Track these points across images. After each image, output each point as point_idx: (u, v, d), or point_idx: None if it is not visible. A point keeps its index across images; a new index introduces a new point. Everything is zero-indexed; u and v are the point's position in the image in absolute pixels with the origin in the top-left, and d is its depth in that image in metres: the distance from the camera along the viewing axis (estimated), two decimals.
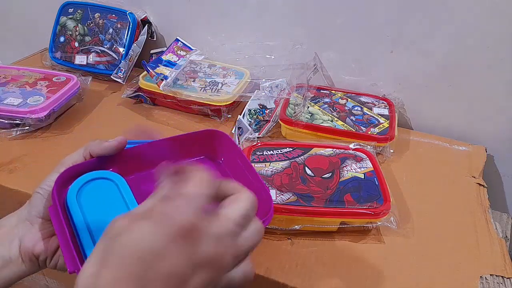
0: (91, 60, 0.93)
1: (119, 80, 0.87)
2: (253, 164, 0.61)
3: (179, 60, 0.86)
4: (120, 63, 0.88)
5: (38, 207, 0.41)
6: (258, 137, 0.69)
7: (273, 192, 0.57)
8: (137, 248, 0.25)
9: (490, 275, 0.52)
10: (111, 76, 0.87)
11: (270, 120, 0.75)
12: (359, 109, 0.78)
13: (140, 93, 0.83)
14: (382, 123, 0.74)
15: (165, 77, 0.79)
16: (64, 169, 0.41)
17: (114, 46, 0.92)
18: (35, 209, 0.41)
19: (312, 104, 0.78)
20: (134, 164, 0.44)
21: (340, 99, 0.81)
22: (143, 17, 0.94)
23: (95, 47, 0.93)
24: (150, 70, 0.79)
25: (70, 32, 0.95)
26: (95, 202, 0.39)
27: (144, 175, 0.45)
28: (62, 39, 0.95)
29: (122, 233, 0.26)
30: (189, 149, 0.47)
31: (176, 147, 0.46)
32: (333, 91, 0.84)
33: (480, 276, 0.52)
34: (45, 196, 0.41)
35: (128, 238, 0.25)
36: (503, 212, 0.68)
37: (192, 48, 0.91)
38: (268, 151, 0.64)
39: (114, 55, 0.92)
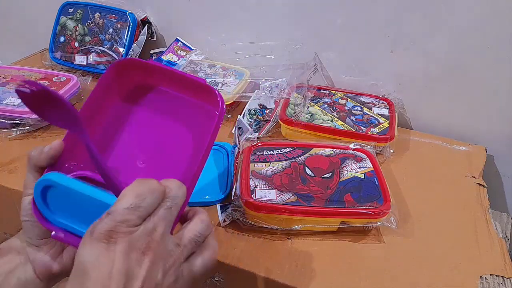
0: (91, 60, 0.93)
1: None
2: (253, 164, 0.61)
3: (179, 60, 0.86)
4: None
5: (33, 233, 0.40)
6: (258, 137, 0.69)
7: (273, 192, 0.57)
8: None
9: (490, 275, 0.52)
10: None
11: (270, 120, 0.75)
12: (359, 109, 0.78)
13: None
14: (382, 123, 0.74)
15: None
16: (30, 190, 0.39)
17: (114, 46, 0.92)
18: (32, 235, 0.40)
19: (312, 104, 0.78)
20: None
21: (340, 99, 0.81)
22: (143, 17, 0.94)
23: (95, 47, 0.93)
24: None
25: (70, 32, 0.95)
26: (63, 209, 0.37)
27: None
28: (62, 39, 0.95)
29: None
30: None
31: None
32: (333, 91, 0.84)
33: (480, 276, 0.52)
34: (32, 219, 0.39)
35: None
36: (503, 212, 0.68)
37: (192, 48, 0.91)
38: (268, 151, 0.64)
39: (114, 55, 0.92)
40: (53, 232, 0.38)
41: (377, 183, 0.59)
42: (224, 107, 0.44)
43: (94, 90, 0.45)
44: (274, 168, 0.61)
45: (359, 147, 0.66)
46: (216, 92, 0.44)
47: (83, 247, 0.30)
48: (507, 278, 0.51)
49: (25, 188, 0.40)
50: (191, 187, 0.39)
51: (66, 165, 0.42)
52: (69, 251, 0.41)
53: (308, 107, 0.77)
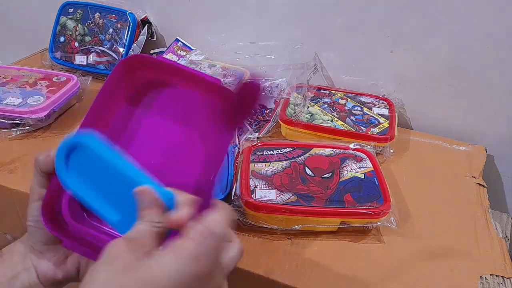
0: (91, 60, 0.93)
1: None
2: (253, 164, 0.61)
3: (179, 60, 0.86)
4: None
5: (38, 239, 0.40)
6: (258, 137, 0.69)
7: (273, 192, 0.57)
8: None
9: (490, 275, 0.52)
10: None
11: (270, 120, 0.75)
12: (359, 109, 0.78)
13: None
14: (382, 123, 0.74)
15: None
16: (37, 196, 0.39)
17: (114, 46, 0.92)
18: (36, 241, 0.40)
19: (312, 104, 0.78)
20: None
21: (340, 99, 0.81)
22: (143, 17, 0.94)
23: (95, 47, 0.93)
24: None
25: (70, 32, 0.95)
26: (86, 175, 0.35)
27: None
28: (62, 39, 0.95)
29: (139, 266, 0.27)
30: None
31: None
32: (333, 91, 0.84)
33: (480, 276, 0.52)
34: (38, 225, 0.39)
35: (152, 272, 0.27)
36: (503, 212, 0.68)
37: (192, 48, 0.91)
38: (268, 151, 0.64)
39: (114, 55, 0.92)
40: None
41: (377, 183, 0.59)
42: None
43: (101, 89, 0.43)
44: (274, 168, 0.61)
45: (359, 147, 0.66)
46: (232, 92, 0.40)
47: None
48: (507, 278, 0.51)
49: (32, 194, 0.39)
50: (212, 188, 0.37)
51: None
52: (73, 259, 0.41)
53: (308, 107, 0.77)
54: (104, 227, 0.40)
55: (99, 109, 0.43)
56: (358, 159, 0.63)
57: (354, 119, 0.75)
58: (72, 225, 0.39)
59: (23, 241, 0.41)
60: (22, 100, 0.74)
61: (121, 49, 0.91)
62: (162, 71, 0.44)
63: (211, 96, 0.43)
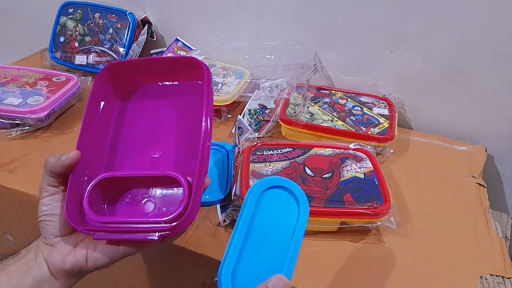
0: (91, 60, 0.93)
1: None
2: (253, 164, 0.61)
3: None
4: None
5: (48, 232, 0.42)
6: (258, 137, 0.69)
7: None
8: None
9: (490, 275, 0.52)
10: None
11: (270, 120, 0.75)
12: (359, 109, 0.78)
13: None
14: (382, 123, 0.74)
15: None
16: (46, 193, 0.43)
17: (114, 46, 0.92)
18: (47, 235, 0.42)
19: (312, 104, 0.78)
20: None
21: (340, 99, 0.81)
22: (143, 17, 0.94)
23: (95, 47, 0.93)
24: None
25: (70, 32, 0.95)
26: (268, 212, 0.38)
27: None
28: (62, 39, 0.95)
29: None
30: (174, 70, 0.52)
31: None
32: (333, 91, 0.84)
33: (480, 276, 0.52)
34: (47, 219, 0.43)
35: None
36: (503, 212, 0.68)
37: (192, 48, 0.91)
38: (268, 151, 0.64)
39: (114, 55, 0.92)
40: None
41: (377, 183, 0.59)
42: (210, 73, 0.48)
43: (90, 99, 0.50)
44: (274, 168, 0.61)
45: (359, 147, 0.66)
46: (198, 61, 0.48)
47: None
48: (507, 278, 0.51)
49: (41, 192, 0.43)
50: (207, 158, 0.43)
51: (82, 172, 0.46)
52: (80, 248, 0.42)
53: (308, 107, 0.77)
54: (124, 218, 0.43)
55: (92, 113, 0.50)
56: (358, 159, 0.63)
57: (354, 119, 0.75)
58: (95, 218, 0.42)
59: (39, 239, 0.44)
60: (22, 100, 0.74)
61: (121, 49, 0.91)
62: (137, 69, 0.51)
63: (185, 75, 0.50)
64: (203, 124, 0.43)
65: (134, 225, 0.41)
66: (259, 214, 0.37)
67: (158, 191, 0.47)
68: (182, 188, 0.44)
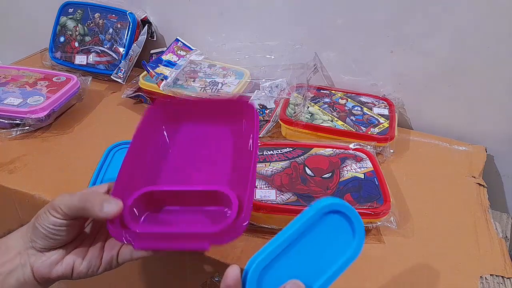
0: (91, 60, 0.93)
1: (119, 80, 0.87)
2: None
3: (179, 60, 0.86)
4: (120, 63, 0.88)
5: (43, 242, 0.40)
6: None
7: (273, 192, 0.57)
8: None
9: (490, 275, 0.52)
10: (111, 76, 0.87)
11: (270, 120, 0.75)
12: (359, 109, 0.78)
13: (140, 93, 0.83)
14: (382, 123, 0.74)
15: (165, 77, 0.79)
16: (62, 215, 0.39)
17: (114, 46, 0.92)
18: (41, 243, 0.40)
19: (312, 104, 0.78)
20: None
21: (340, 99, 0.81)
22: (143, 17, 0.94)
23: (95, 47, 0.93)
24: (150, 70, 0.79)
25: (70, 32, 0.95)
26: (324, 234, 0.37)
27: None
28: (62, 39, 0.95)
29: None
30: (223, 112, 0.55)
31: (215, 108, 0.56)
32: (333, 91, 0.84)
33: (480, 276, 0.52)
34: (43, 231, 0.39)
35: None
36: (503, 212, 0.68)
37: (192, 48, 0.91)
38: (268, 151, 0.64)
39: (114, 55, 0.92)
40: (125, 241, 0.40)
41: (377, 183, 0.59)
42: (257, 113, 0.52)
43: (140, 124, 0.53)
44: (274, 168, 0.61)
45: (359, 147, 0.66)
46: (248, 103, 0.53)
47: None
48: (507, 278, 0.51)
49: (54, 210, 0.39)
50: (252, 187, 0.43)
51: (124, 188, 0.45)
52: (68, 259, 0.41)
53: (308, 107, 0.77)
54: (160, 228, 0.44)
55: (142, 136, 0.51)
56: (358, 159, 0.63)
57: (354, 119, 0.75)
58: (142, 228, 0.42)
59: (22, 236, 0.41)
60: (22, 100, 0.74)
61: (121, 49, 0.91)
62: (186, 106, 0.56)
63: (231, 112, 0.54)
64: (252, 148, 0.47)
65: (176, 232, 0.41)
66: (315, 232, 0.36)
67: (199, 209, 0.46)
68: (222, 208, 0.45)
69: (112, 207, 0.39)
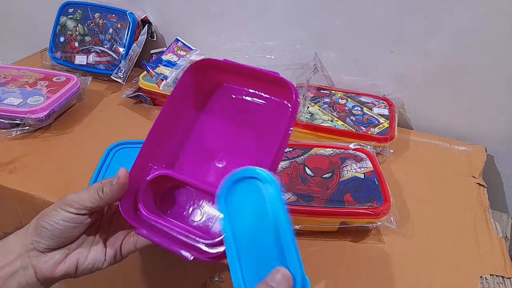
0: (91, 60, 0.93)
1: (119, 80, 0.87)
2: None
3: (179, 60, 0.86)
4: (120, 63, 0.88)
5: (47, 241, 0.40)
6: None
7: None
8: None
9: (490, 275, 0.52)
10: (111, 76, 0.87)
11: None
12: (359, 109, 0.78)
13: (140, 93, 0.83)
14: (382, 123, 0.74)
15: (165, 77, 0.79)
16: (71, 206, 0.40)
17: (114, 46, 0.92)
18: (44, 242, 0.40)
19: (312, 104, 0.78)
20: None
21: (340, 99, 0.81)
22: (143, 17, 0.94)
23: (95, 47, 0.93)
24: (150, 70, 0.79)
25: (70, 32, 0.95)
26: (243, 208, 0.35)
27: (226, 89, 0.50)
28: (62, 39, 0.95)
29: None
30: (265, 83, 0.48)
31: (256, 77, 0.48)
32: (333, 91, 0.84)
33: (480, 276, 0.52)
34: (54, 228, 0.40)
35: None
36: (503, 212, 0.68)
37: (192, 48, 0.91)
38: None
39: (114, 55, 0.92)
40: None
41: (377, 183, 0.59)
42: (299, 99, 0.44)
43: (172, 93, 0.47)
44: None
45: (359, 147, 0.66)
46: (289, 84, 0.44)
47: None
48: (507, 278, 0.51)
49: (67, 205, 0.40)
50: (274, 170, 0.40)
51: (143, 165, 0.45)
52: (71, 258, 0.41)
53: (308, 107, 0.77)
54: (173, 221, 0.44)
55: (171, 110, 0.47)
56: (358, 159, 0.63)
57: (354, 119, 0.75)
58: (148, 215, 0.43)
59: (21, 239, 0.41)
60: (22, 100, 0.74)
61: (121, 49, 0.91)
62: (224, 71, 0.49)
63: (269, 89, 0.48)
64: (278, 146, 0.41)
65: (176, 231, 0.42)
66: (236, 219, 0.34)
67: (209, 203, 0.46)
68: None
69: (120, 173, 0.41)
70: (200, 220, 0.45)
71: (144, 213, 0.43)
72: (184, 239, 0.42)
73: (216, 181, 0.44)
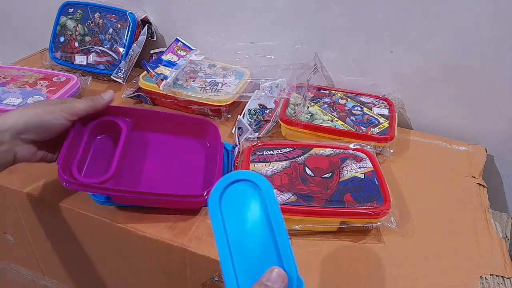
0: (91, 60, 0.93)
1: (119, 80, 0.87)
2: (253, 164, 0.61)
3: (179, 60, 0.86)
4: (120, 63, 0.88)
5: (35, 135, 0.52)
6: (258, 137, 0.69)
7: None
8: None
9: (490, 275, 0.52)
10: (111, 76, 0.87)
11: (270, 120, 0.75)
12: (359, 109, 0.78)
13: (140, 93, 0.83)
14: (382, 123, 0.74)
15: (165, 77, 0.79)
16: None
17: (114, 46, 0.92)
18: (32, 136, 0.52)
19: (312, 104, 0.78)
20: (143, 123, 0.63)
21: (340, 99, 0.81)
22: (143, 17, 0.94)
23: (95, 47, 0.93)
24: (150, 70, 0.79)
25: (70, 32, 0.95)
26: (236, 210, 0.35)
27: (142, 135, 0.64)
28: (62, 39, 0.95)
29: None
30: (186, 128, 0.65)
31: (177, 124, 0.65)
32: (333, 91, 0.84)
33: (480, 276, 0.52)
34: (46, 126, 0.52)
35: None
36: (503, 212, 0.69)
37: (192, 48, 0.91)
38: (268, 151, 0.64)
39: (114, 55, 0.92)
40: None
41: (377, 183, 0.59)
42: (219, 136, 0.63)
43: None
44: (274, 168, 0.61)
45: (359, 147, 0.66)
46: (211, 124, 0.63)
47: None
48: (507, 278, 0.51)
49: (68, 113, 0.54)
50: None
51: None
52: (41, 152, 0.55)
53: (308, 107, 0.77)
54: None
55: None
56: (358, 159, 0.63)
57: (354, 119, 0.75)
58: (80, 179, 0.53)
59: (10, 130, 0.50)
60: (22, 100, 0.74)
61: (121, 49, 0.91)
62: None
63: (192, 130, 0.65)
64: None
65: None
66: (229, 221, 0.35)
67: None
68: None
69: (108, 93, 0.59)
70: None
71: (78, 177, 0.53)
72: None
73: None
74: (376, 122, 0.74)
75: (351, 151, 0.65)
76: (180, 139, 0.64)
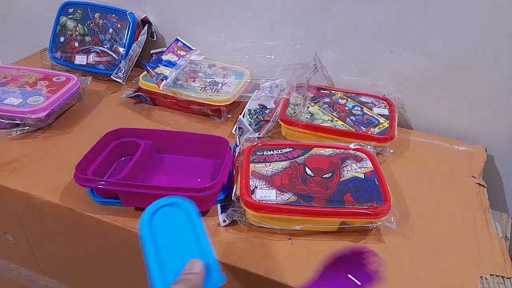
0: (91, 60, 0.93)
1: (119, 80, 0.87)
2: (253, 165, 0.61)
3: (179, 60, 0.86)
4: (120, 63, 0.88)
5: None
6: (258, 137, 0.69)
7: (273, 192, 0.57)
8: None
9: (490, 275, 0.52)
10: (111, 76, 0.87)
11: (270, 120, 0.75)
12: (359, 109, 0.78)
13: (140, 93, 0.83)
14: (382, 123, 0.74)
15: (165, 77, 0.79)
16: None
17: (114, 46, 0.92)
18: None
19: (312, 104, 0.78)
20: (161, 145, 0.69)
21: (340, 99, 0.81)
22: (143, 17, 0.94)
23: (95, 47, 0.93)
24: (150, 70, 0.79)
25: (70, 32, 0.95)
26: (166, 230, 0.41)
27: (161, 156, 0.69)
28: (62, 39, 0.95)
29: None
30: (199, 146, 0.68)
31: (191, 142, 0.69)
32: (333, 91, 0.84)
33: (480, 276, 0.52)
34: None
35: None
36: (503, 212, 0.68)
37: (192, 48, 0.91)
38: (268, 151, 0.64)
39: (114, 55, 0.92)
40: None
41: (377, 183, 0.59)
42: (231, 148, 0.65)
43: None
44: (274, 168, 0.61)
45: (359, 147, 0.66)
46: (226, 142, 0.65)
47: None
48: (507, 278, 0.51)
49: None
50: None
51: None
52: None
53: (308, 107, 0.77)
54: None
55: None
56: (358, 159, 0.63)
57: (354, 119, 0.75)
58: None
59: None
60: (22, 100, 0.74)
61: (121, 49, 0.91)
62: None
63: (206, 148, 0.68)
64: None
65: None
66: (158, 238, 0.40)
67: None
68: None
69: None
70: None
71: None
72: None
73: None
74: (376, 122, 0.74)
75: (351, 151, 0.65)
76: (195, 159, 0.69)
